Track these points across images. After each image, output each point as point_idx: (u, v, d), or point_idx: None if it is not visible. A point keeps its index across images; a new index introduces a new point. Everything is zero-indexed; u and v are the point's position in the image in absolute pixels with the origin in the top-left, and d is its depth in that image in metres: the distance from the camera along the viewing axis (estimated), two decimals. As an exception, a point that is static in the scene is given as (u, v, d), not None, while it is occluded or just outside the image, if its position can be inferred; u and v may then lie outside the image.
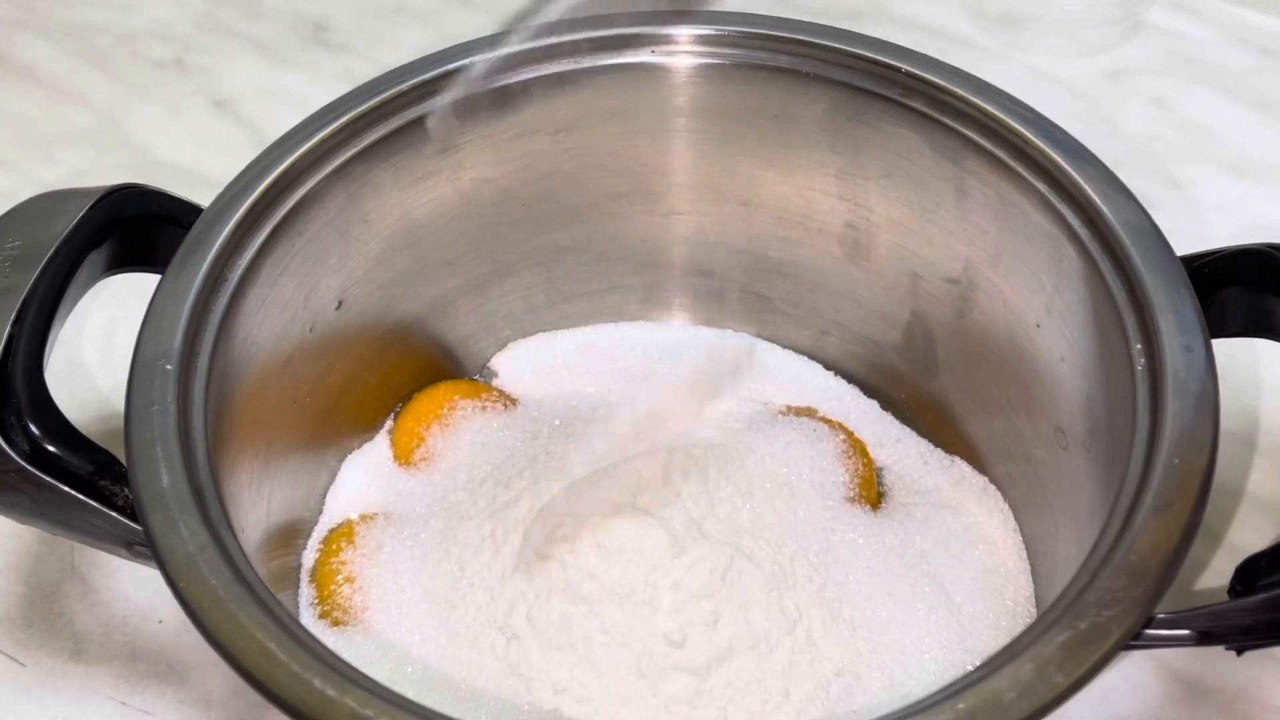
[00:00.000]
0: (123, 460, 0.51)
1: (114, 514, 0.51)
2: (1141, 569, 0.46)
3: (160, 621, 0.67)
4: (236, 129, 0.97)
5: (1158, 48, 1.02)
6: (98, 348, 0.80)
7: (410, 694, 0.45)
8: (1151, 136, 0.94)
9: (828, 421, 0.71)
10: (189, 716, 0.64)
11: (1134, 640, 0.45)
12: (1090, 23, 1.00)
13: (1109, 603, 0.45)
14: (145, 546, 0.49)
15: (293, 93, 1.00)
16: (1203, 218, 0.88)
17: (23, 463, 0.51)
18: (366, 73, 0.65)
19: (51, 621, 0.67)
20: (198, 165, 0.94)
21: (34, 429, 0.52)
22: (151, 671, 0.65)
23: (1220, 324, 0.56)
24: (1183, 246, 0.57)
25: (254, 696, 0.45)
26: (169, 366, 0.53)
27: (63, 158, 0.94)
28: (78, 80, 1.01)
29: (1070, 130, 0.61)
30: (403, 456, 0.70)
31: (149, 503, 0.49)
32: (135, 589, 0.68)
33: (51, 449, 0.52)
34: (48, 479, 0.51)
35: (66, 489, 0.51)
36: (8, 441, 0.51)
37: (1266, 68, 1.00)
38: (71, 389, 0.77)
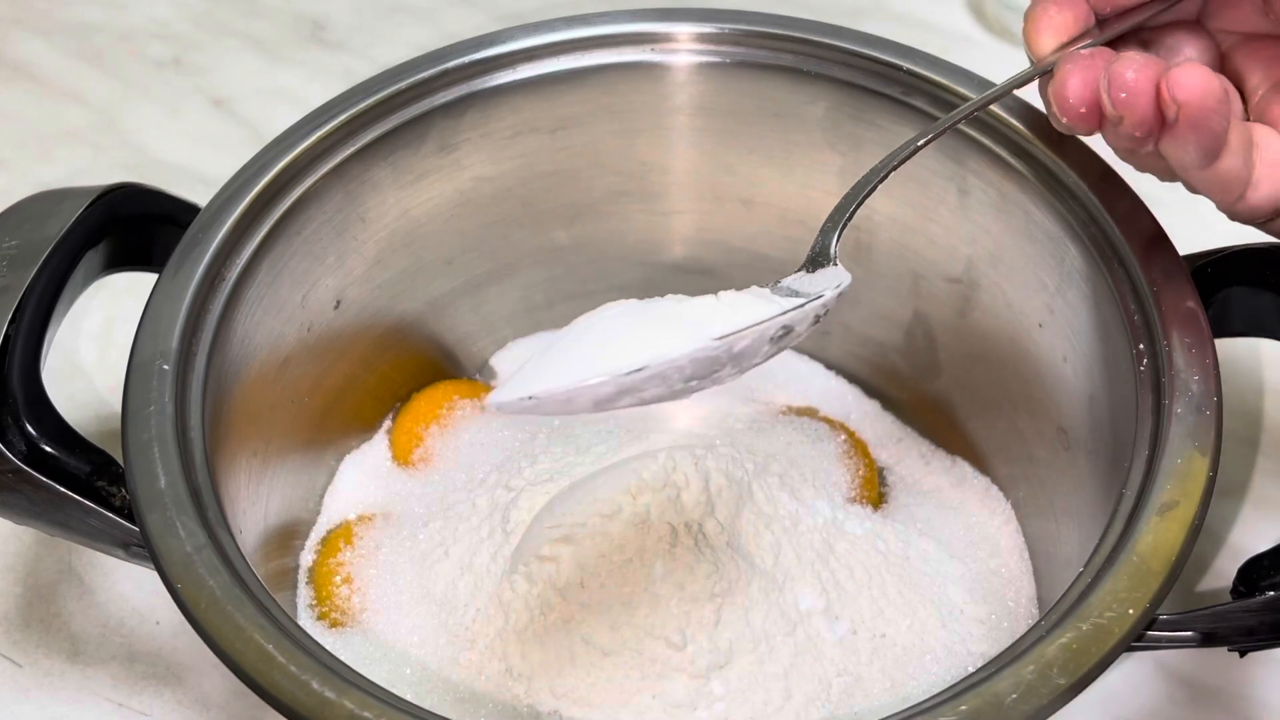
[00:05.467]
0: (120, 461, 0.51)
1: (111, 515, 0.51)
2: (1144, 570, 0.46)
3: (158, 622, 0.67)
4: (234, 128, 0.97)
5: (1159, 46, 1.02)
6: (95, 347, 0.80)
7: (409, 695, 0.45)
8: (1153, 135, 0.94)
9: (829, 422, 0.71)
10: (186, 718, 0.63)
11: (1136, 641, 0.45)
12: (1091, 21, 0.99)
13: (1111, 604, 0.45)
14: (142, 547, 0.49)
15: (291, 91, 1.00)
16: (1205, 217, 0.87)
17: (19, 463, 0.51)
18: (365, 71, 0.65)
19: (49, 622, 0.67)
20: (195, 164, 0.93)
21: (31, 429, 0.52)
22: (149, 672, 0.65)
23: (1223, 323, 0.56)
24: (1185, 246, 0.57)
25: (252, 698, 0.45)
26: (166, 367, 0.53)
27: (60, 157, 0.94)
28: (75, 79, 1.01)
29: (1072, 129, 0.61)
30: (401, 457, 0.70)
31: (146, 503, 0.49)
32: (133, 590, 0.68)
33: (48, 449, 0.52)
34: (44, 480, 0.51)
35: (63, 490, 0.51)
36: (4, 442, 0.51)
37: (1268, 66, 0.99)
38: (69, 389, 0.76)
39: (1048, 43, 0.53)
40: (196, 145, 0.95)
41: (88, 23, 1.06)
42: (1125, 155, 0.51)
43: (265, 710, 0.45)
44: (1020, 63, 0.56)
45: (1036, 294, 0.62)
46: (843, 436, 0.70)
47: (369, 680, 0.45)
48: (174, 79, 1.01)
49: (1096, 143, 0.60)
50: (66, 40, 1.04)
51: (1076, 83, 0.49)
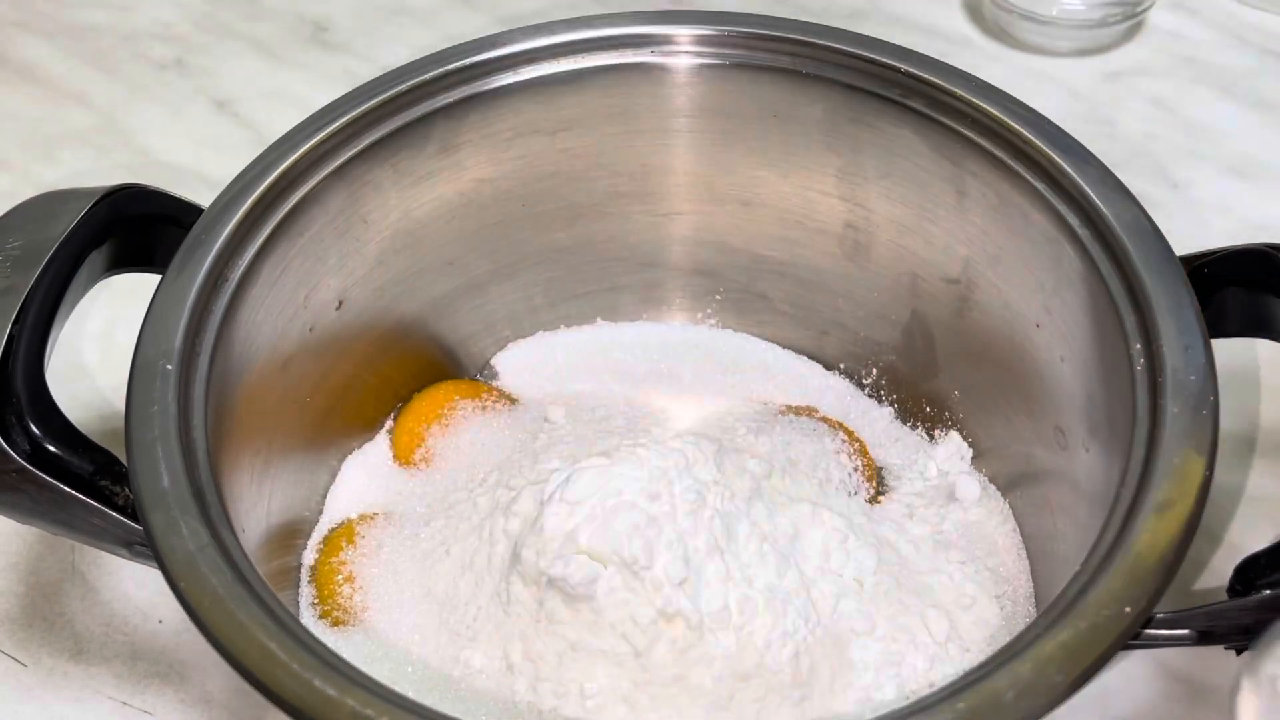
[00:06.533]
0: (123, 460, 0.51)
1: (114, 514, 0.51)
2: (1141, 569, 0.46)
3: (161, 621, 0.67)
4: (237, 129, 0.97)
5: (1157, 48, 1.02)
6: (98, 348, 0.80)
7: (410, 693, 0.45)
8: (1151, 137, 0.94)
9: (827, 421, 0.71)
10: (189, 716, 0.64)
11: (1133, 640, 0.46)
12: (1090, 23, 1.00)
13: (1108, 602, 0.45)
14: (146, 546, 0.49)
15: (293, 93, 1.00)
16: (1202, 218, 0.88)
17: (24, 463, 0.51)
18: (366, 73, 0.66)
19: (52, 621, 0.67)
20: (198, 165, 0.94)
21: (35, 429, 0.52)
22: (152, 671, 0.65)
23: (1220, 324, 0.56)
24: (1182, 247, 0.57)
25: (254, 696, 0.45)
26: (169, 366, 0.53)
27: (63, 158, 0.95)
28: (78, 81, 1.01)
29: (1070, 130, 0.61)
30: (403, 456, 0.70)
31: (149, 502, 0.49)
32: (136, 589, 0.68)
33: (52, 449, 0.52)
34: (48, 479, 0.51)
35: (67, 489, 0.51)
36: (9, 441, 0.51)
37: (1266, 68, 1.00)
38: (72, 389, 0.77)
39: None
40: (199, 146, 0.96)
41: (91, 25, 1.06)
42: None
43: (268, 709, 0.45)
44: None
45: (1034, 294, 0.62)
46: (841, 435, 0.70)
47: (371, 678, 0.45)
48: (176, 81, 1.01)
49: (1094, 143, 0.61)
50: (70, 42, 1.05)
51: None
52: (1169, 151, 0.93)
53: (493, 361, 0.77)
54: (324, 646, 0.46)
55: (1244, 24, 1.03)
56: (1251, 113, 0.96)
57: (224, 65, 1.03)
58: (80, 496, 0.51)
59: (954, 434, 0.71)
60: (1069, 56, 1.00)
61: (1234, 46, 1.02)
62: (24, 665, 0.65)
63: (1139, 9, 1.00)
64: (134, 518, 0.50)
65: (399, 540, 0.65)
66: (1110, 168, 0.59)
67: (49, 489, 0.51)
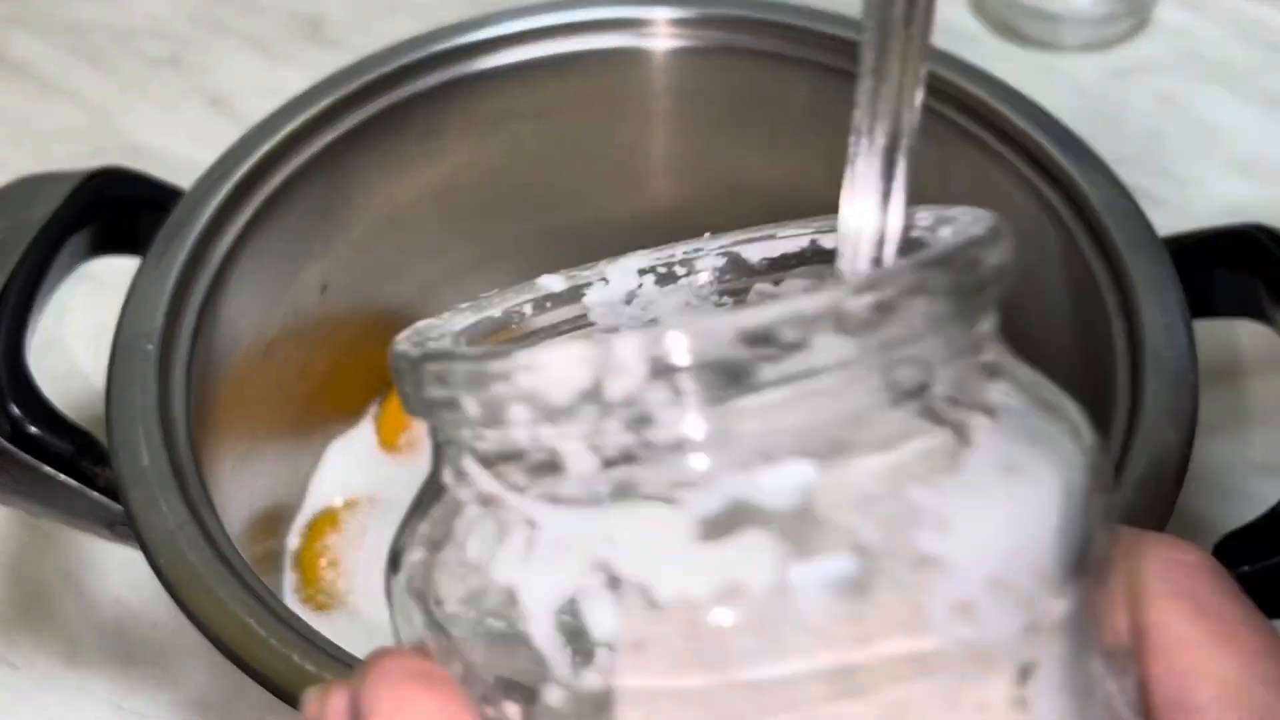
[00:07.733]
0: (103, 442, 0.51)
1: (95, 494, 0.51)
2: (1119, 545, 0.46)
3: (154, 624, 0.67)
4: (231, 126, 0.96)
5: (1165, 44, 1.01)
6: (79, 330, 0.79)
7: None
8: (1158, 134, 0.94)
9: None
10: (184, 719, 0.63)
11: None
12: (1097, 19, 0.99)
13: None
14: (126, 526, 0.49)
15: (288, 90, 0.99)
16: (1209, 216, 0.87)
17: (4, 442, 0.51)
18: (364, 70, 0.66)
19: (45, 624, 0.67)
20: (192, 162, 0.93)
21: (15, 410, 0.52)
22: (146, 674, 0.65)
23: (1203, 305, 0.56)
24: (1165, 227, 0.57)
25: (250, 697, 0.45)
26: (150, 347, 0.53)
27: (56, 154, 0.95)
28: (72, 77, 1.01)
29: (1076, 127, 0.60)
30: (388, 441, 0.70)
31: (129, 480, 0.49)
32: (129, 591, 0.68)
33: (32, 430, 0.52)
34: (29, 459, 0.51)
35: (48, 469, 0.51)
36: (-11, 422, 0.51)
37: (1275, 65, 0.99)
38: (52, 371, 0.76)
39: None
40: (193, 143, 0.95)
41: (85, 20, 1.06)
42: None
43: (266, 710, 0.45)
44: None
45: (1016, 275, 0.62)
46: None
47: (351, 655, 0.45)
48: (171, 77, 1.01)
49: (1100, 139, 0.60)
50: (63, 38, 1.05)
51: None
52: (1176, 149, 0.92)
53: (479, 348, 0.77)
54: (304, 623, 0.46)
55: (1252, 20, 1.03)
56: (1259, 109, 0.95)
57: (219, 62, 1.03)
58: (61, 477, 0.51)
59: None
60: (1075, 52, 1.00)
61: (1242, 43, 1.01)
62: (17, 668, 0.65)
63: (1146, 5, 1.00)
64: (114, 498, 0.50)
65: (383, 525, 0.65)
66: (1116, 164, 0.59)
67: (29, 469, 0.51)
